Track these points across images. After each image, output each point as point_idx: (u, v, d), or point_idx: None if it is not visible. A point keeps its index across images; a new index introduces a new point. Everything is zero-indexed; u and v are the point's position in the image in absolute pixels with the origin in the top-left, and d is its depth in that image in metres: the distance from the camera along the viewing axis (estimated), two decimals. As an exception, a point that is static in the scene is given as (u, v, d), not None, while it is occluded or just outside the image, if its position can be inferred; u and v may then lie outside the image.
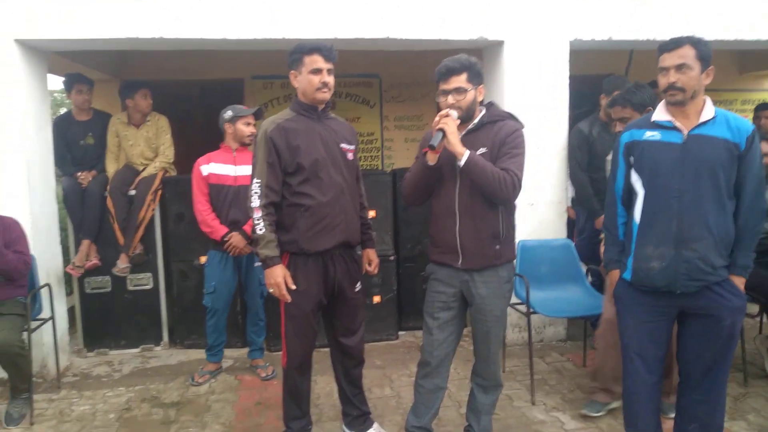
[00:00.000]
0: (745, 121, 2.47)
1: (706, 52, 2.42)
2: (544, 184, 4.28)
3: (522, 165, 2.55)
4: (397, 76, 6.43)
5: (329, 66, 2.72)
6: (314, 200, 2.70)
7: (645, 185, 2.50)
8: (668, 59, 2.41)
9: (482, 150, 2.55)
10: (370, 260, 3.05)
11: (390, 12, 4.02)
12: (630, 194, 2.58)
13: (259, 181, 2.68)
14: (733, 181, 2.42)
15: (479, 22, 4.14)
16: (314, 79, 2.69)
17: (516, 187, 2.50)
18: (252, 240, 3.23)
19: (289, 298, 2.68)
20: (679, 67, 2.38)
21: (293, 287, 2.68)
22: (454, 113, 2.52)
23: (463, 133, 2.60)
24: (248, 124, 3.77)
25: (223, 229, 3.70)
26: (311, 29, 3.92)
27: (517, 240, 4.12)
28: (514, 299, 3.87)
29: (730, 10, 4.35)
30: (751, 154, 2.40)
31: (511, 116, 2.71)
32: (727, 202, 2.42)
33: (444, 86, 2.57)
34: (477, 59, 2.61)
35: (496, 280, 2.66)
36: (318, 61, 2.68)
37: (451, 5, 4.08)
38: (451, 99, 2.55)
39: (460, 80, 2.54)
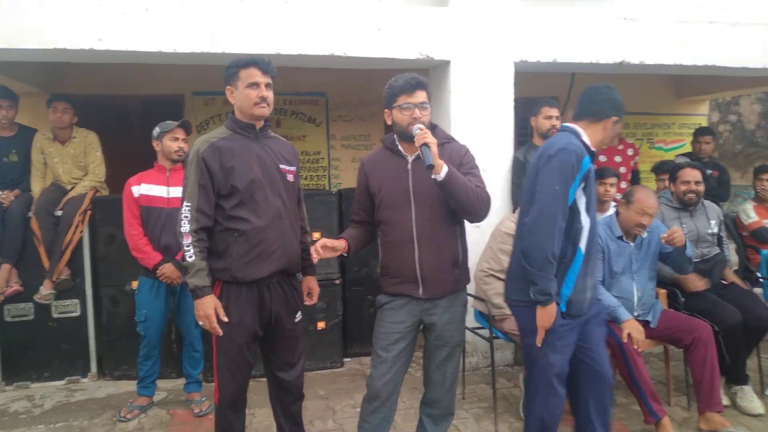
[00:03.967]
0: None
1: None
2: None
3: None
4: (344, 95, 6.34)
5: (267, 80, 2.57)
6: (249, 225, 2.53)
7: (590, 215, 2.46)
8: None
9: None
10: (310, 289, 2.88)
11: (335, 29, 3.92)
12: (571, 222, 2.46)
13: (189, 204, 2.50)
14: None
15: (425, 42, 4.09)
16: (251, 93, 2.54)
17: (489, 203, 2.47)
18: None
19: (220, 332, 2.49)
20: None
21: (225, 319, 2.49)
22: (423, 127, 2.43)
23: (414, 156, 2.50)
24: (175, 138, 3.56)
25: (157, 257, 3.48)
26: (253, 44, 3.78)
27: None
28: (474, 324, 3.80)
29: (666, 35, 4.45)
30: None
31: (453, 139, 2.66)
32: None
33: (410, 99, 2.45)
34: None
35: (457, 304, 2.60)
36: (255, 74, 2.54)
37: (397, 24, 4.02)
38: (418, 112, 2.44)
39: (424, 96, 2.48)
